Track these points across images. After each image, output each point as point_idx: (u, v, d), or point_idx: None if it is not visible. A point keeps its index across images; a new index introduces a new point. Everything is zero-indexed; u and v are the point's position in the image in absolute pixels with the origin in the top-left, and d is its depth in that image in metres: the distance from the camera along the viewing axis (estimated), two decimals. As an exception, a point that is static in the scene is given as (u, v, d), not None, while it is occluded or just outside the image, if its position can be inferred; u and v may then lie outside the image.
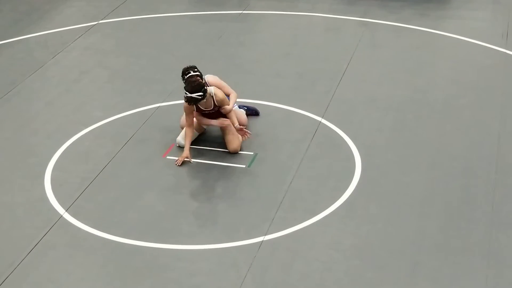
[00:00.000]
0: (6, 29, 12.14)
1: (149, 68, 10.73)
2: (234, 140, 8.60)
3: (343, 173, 8.24)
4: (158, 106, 9.63)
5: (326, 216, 7.58)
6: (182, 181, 8.24)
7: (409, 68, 10.53)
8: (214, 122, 8.65)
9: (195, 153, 8.67)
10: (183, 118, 8.81)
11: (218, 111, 8.64)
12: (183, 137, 8.65)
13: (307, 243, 7.23)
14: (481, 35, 11.36)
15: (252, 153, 8.64)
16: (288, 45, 11.34)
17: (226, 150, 8.68)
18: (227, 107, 8.54)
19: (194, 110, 8.56)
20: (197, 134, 8.87)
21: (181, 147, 8.70)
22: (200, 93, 8.27)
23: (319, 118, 9.29)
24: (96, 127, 9.26)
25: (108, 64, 10.91)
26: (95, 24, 12.23)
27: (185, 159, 8.46)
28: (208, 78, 8.85)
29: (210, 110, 8.59)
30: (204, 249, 7.19)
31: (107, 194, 8.03)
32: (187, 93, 8.30)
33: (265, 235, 7.33)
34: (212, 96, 8.47)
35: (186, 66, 8.75)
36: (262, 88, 10.03)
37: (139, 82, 10.34)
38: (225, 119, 8.61)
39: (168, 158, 8.60)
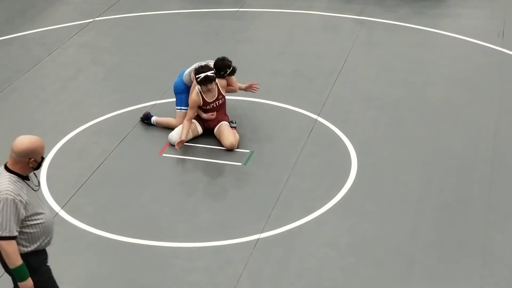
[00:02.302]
0: (2, 26, 12.12)
1: (145, 66, 10.72)
2: (229, 136, 8.62)
3: (339, 171, 8.25)
4: (154, 104, 9.62)
5: (322, 214, 7.59)
6: (178, 179, 8.24)
7: (406, 66, 10.54)
8: (204, 115, 8.80)
9: (191, 151, 8.66)
10: (177, 121, 8.98)
11: (219, 106, 8.78)
12: (178, 134, 8.69)
13: (303, 240, 7.23)
14: (477, 34, 11.37)
15: (248, 151, 8.64)
16: (284, 43, 11.34)
17: (222, 148, 8.69)
18: (235, 87, 9.09)
19: (200, 104, 8.69)
20: (191, 136, 8.85)
21: (172, 145, 8.72)
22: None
23: (315, 116, 9.29)
24: (92, 125, 9.25)
25: (104, 61, 10.90)
26: (91, 22, 12.21)
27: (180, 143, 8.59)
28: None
29: (214, 101, 8.72)
30: (201, 247, 7.19)
31: (103, 191, 8.03)
32: (213, 74, 8.62)
33: (261, 232, 7.33)
34: (216, 83, 8.74)
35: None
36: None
37: (135, 79, 10.33)
38: (212, 113, 8.78)
39: (164, 156, 8.60)
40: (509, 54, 10.73)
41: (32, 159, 5.30)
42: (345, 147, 8.66)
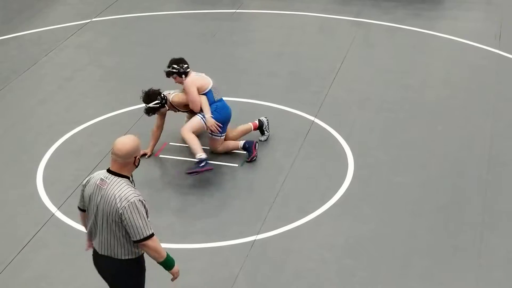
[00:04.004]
0: (-1, 26, 12.14)
1: (142, 67, 10.72)
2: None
3: (336, 172, 8.25)
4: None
5: (318, 215, 7.59)
6: (175, 180, 8.23)
7: (402, 68, 10.55)
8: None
9: (188, 152, 8.65)
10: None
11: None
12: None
13: (300, 242, 7.23)
14: (474, 36, 11.39)
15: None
16: (281, 44, 11.34)
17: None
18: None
19: (176, 111, 8.62)
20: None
21: (173, 144, 8.73)
22: (157, 101, 8.36)
23: (312, 118, 9.30)
24: (89, 125, 9.24)
25: (101, 62, 10.90)
26: (88, 22, 12.21)
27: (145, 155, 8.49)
28: (188, 77, 8.49)
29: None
30: (197, 248, 7.19)
31: (99, 192, 8.01)
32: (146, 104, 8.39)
33: (257, 234, 7.33)
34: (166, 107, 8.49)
35: (173, 59, 8.59)
36: (255, 87, 10.03)
37: (132, 80, 10.32)
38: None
39: (161, 157, 8.60)
40: (506, 56, 10.75)
41: (137, 156, 5.42)
42: (342, 149, 8.67)
